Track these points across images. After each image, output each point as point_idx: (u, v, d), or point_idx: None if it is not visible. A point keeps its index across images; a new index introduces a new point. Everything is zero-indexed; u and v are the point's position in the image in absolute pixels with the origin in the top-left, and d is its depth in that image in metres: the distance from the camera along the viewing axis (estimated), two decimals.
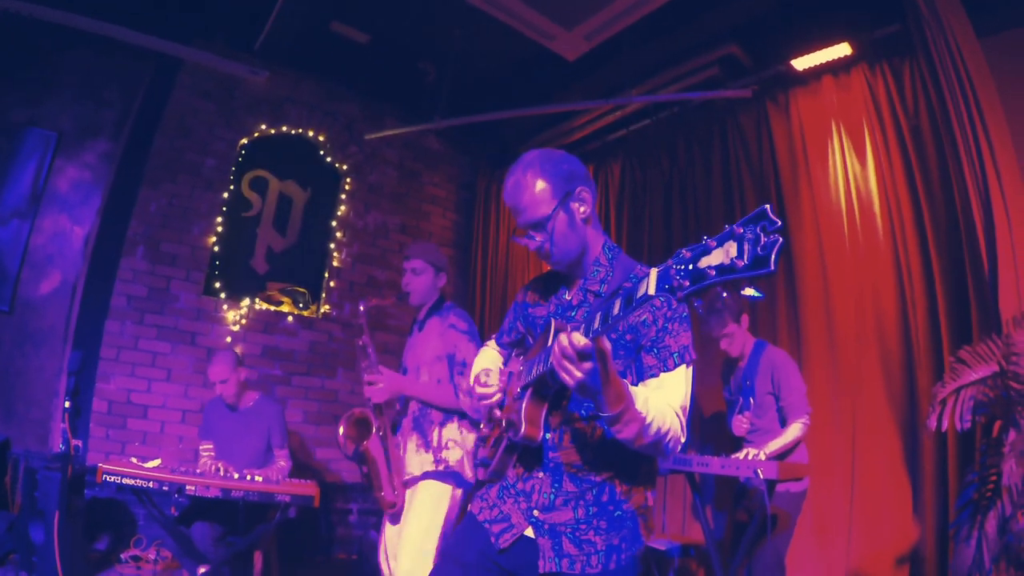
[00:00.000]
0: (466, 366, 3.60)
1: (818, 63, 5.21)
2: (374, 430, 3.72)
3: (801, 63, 5.26)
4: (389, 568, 3.72)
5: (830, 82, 5.22)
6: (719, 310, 4.45)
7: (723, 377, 4.81)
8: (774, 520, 3.83)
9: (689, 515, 5.57)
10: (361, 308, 3.95)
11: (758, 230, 1.22)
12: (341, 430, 3.81)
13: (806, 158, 5.29)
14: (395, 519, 3.72)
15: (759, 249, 1.21)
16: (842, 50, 5.04)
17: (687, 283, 1.34)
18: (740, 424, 4.46)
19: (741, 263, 1.24)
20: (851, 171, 5.02)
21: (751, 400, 4.45)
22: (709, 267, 1.30)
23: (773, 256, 1.19)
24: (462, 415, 3.64)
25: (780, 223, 1.21)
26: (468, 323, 3.79)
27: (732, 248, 1.26)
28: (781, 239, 1.20)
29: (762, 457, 3.90)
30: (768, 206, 1.24)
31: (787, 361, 4.43)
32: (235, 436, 5.02)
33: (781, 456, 4.13)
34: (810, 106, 5.35)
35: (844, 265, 4.94)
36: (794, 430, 4.18)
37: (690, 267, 1.34)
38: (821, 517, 4.73)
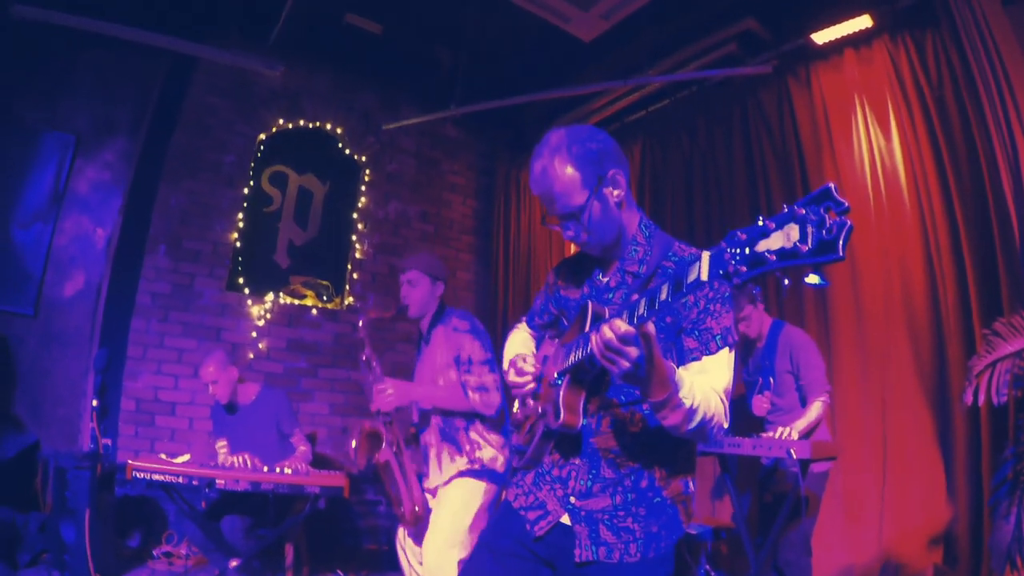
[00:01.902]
0: (472, 363, 3.55)
1: (839, 36, 5.10)
2: (384, 444, 3.67)
3: (821, 37, 5.16)
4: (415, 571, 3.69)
5: (852, 56, 5.13)
6: (740, 291, 4.43)
7: (741, 358, 4.77)
8: (805, 501, 3.81)
9: (716, 497, 5.53)
10: (360, 322, 3.92)
11: (822, 211, 1.14)
12: (353, 444, 3.76)
13: (829, 133, 5.20)
14: (418, 537, 3.64)
15: (824, 232, 1.13)
16: (863, 22, 4.94)
17: (744, 268, 1.26)
18: (761, 404, 4.46)
19: (805, 248, 1.16)
20: (876, 145, 4.93)
21: (771, 380, 4.46)
22: (768, 251, 1.22)
23: (842, 240, 1.11)
24: (476, 416, 3.57)
25: (847, 204, 1.13)
26: (470, 321, 3.74)
27: (794, 231, 1.18)
28: (850, 222, 1.11)
29: (794, 436, 3.87)
30: (832, 185, 1.15)
31: (805, 340, 4.45)
32: (243, 434, 5.02)
33: (806, 436, 4.11)
34: (832, 80, 5.26)
35: (870, 240, 4.86)
36: (816, 408, 4.19)
37: (746, 251, 1.26)
38: (852, 497, 4.68)
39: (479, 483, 3.49)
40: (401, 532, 3.80)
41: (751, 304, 4.51)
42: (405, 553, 3.76)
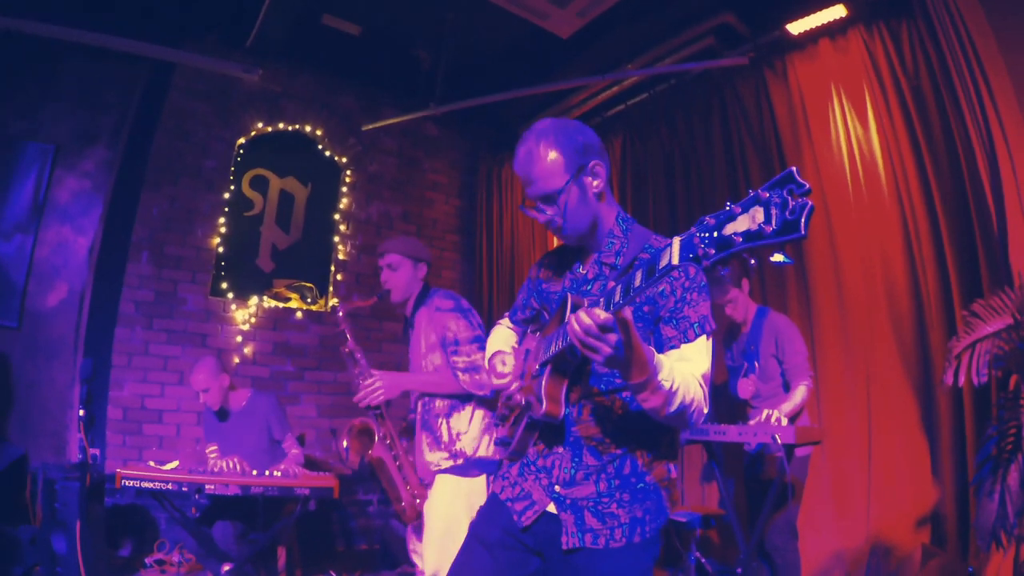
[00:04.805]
0: (459, 343, 3.45)
1: (814, 26, 5.14)
2: (377, 439, 3.58)
3: (796, 27, 5.19)
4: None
5: (827, 45, 5.17)
6: (720, 277, 4.46)
7: (724, 343, 4.83)
8: (791, 487, 3.84)
9: (706, 484, 5.57)
10: (340, 314, 3.76)
11: (785, 194, 1.19)
12: (344, 443, 3.68)
13: (807, 123, 5.24)
14: (420, 531, 3.57)
15: (787, 213, 1.18)
16: (837, 12, 4.98)
17: (712, 251, 1.31)
18: (746, 387, 4.49)
19: (770, 228, 1.20)
20: (853, 134, 4.97)
21: (756, 364, 4.48)
22: (735, 234, 1.27)
23: (803, 220, 1.16)
24: (468, 398, 3.48)
25: (808, 186, 1.17)
26: (454, 300, 3.63)
27: (759, 213, 1.23)
28: (811, 203, 1.16)
29: (783, 421, 3.89)
30: (795, 169, 1.20)
31: (789, 326, 4.48)
32: (234, 440, 4.99)
33: (791, 419, 4.14)
34: (808, 71, 5.30)
35: (851, 228, 4.91)
36: (800, 392, 4.23)
37: (715, 234, 1.31)
38: (839, 482, 4.72)
39: (461, 480, 3.43)
40: (409, 531, 3.74)
41: (736, 287, 4.54)
42: (416, 551, 3.70)
